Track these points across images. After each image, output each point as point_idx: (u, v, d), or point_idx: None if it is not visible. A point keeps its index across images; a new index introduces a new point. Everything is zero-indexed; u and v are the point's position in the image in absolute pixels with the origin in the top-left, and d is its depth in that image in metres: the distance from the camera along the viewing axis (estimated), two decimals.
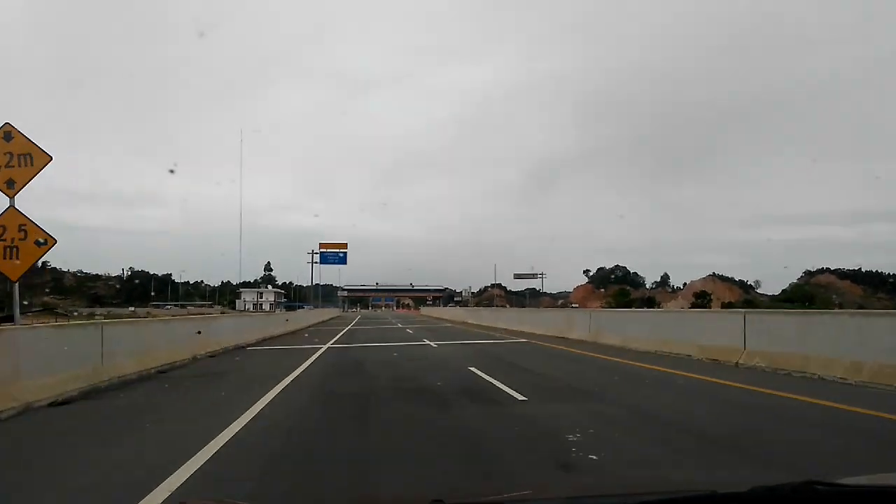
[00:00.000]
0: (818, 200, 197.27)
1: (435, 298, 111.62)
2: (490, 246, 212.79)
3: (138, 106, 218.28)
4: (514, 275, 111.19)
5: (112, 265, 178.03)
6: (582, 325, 17.28)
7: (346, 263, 52.29)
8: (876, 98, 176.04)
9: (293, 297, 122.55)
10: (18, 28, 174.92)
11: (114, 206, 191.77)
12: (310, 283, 55.67)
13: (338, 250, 51.85)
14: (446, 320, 40.76)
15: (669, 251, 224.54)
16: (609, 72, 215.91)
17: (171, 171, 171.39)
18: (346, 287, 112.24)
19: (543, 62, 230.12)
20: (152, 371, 9.49)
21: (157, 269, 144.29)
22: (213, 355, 12.76)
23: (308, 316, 36.07)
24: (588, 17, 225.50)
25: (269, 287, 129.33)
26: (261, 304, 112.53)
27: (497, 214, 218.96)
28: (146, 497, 3.37)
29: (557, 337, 18.05)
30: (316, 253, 51.36)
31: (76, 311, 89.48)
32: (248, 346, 16.04)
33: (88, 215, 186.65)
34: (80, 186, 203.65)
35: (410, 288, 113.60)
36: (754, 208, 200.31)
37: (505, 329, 24.25)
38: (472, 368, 10.07)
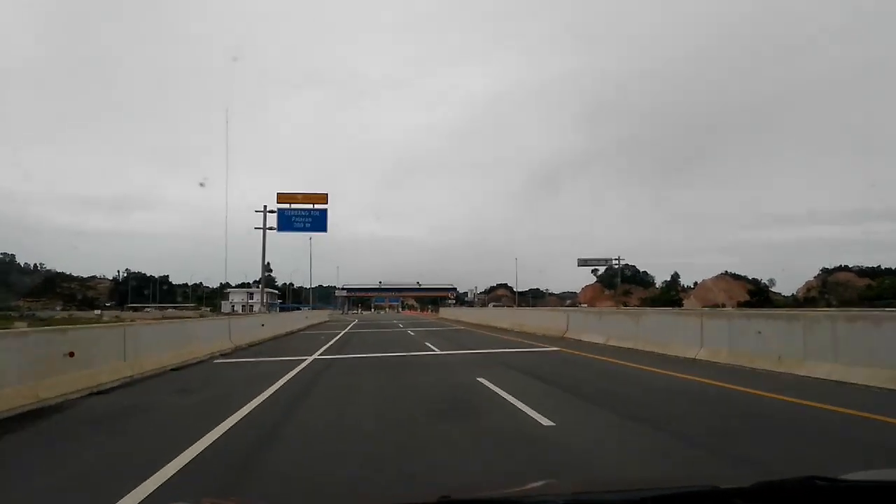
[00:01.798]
0: (830, 199, 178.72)
1: (450, 298, 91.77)
2: (493, 247, 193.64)
3: (138, 110, 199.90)
4: (579, 261, 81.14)
5: (112, 268, 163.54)
6: None
7: (325, 230, 26.42)
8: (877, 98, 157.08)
9: (287, 298, 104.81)
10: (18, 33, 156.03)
11: (119, 210, 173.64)
12: (303, 281, 34.59)
13: (310, 206, 24.89)
14: (530, 335, 17.99)
15: (679, 251, 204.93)
16: (614, 73, 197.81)
17: (196, 182, 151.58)
18: (344, 286, 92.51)
19: (548, 65, 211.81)
20: None
21: (158, 272, 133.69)
22: None
23: (245, 327, 15.98)
24: (598, 17, 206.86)
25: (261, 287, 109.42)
26: (251, 306, 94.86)
27: (501, 215, 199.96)
28: None
29: None
30: (271, 211, 24.76)
31: (34, 312, 74.12)
32: None
33: (95, 218, 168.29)
34: (89, 191, 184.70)
35: (418, 287, 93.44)
36: (766, 207, 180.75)
37: None
38: None
